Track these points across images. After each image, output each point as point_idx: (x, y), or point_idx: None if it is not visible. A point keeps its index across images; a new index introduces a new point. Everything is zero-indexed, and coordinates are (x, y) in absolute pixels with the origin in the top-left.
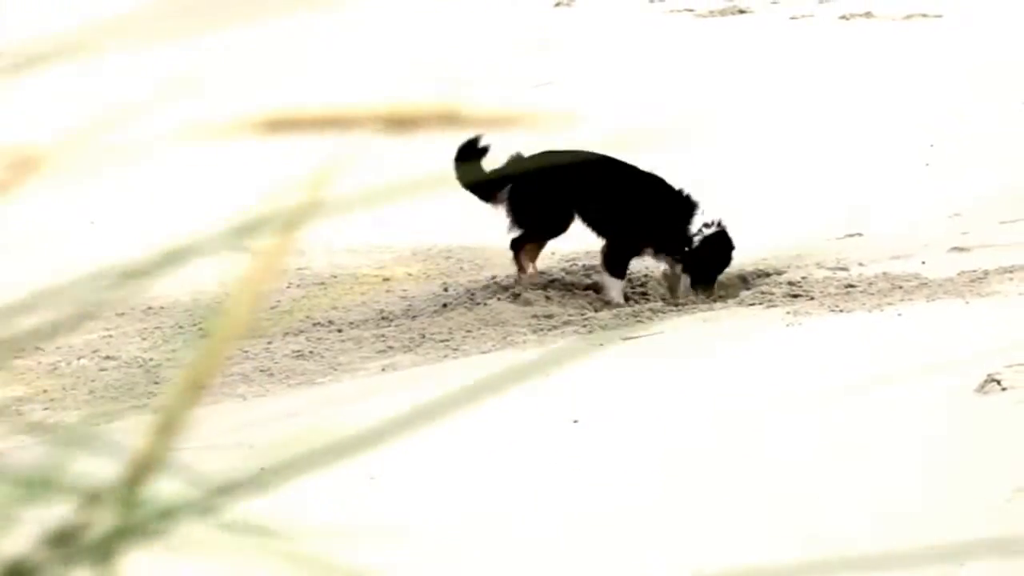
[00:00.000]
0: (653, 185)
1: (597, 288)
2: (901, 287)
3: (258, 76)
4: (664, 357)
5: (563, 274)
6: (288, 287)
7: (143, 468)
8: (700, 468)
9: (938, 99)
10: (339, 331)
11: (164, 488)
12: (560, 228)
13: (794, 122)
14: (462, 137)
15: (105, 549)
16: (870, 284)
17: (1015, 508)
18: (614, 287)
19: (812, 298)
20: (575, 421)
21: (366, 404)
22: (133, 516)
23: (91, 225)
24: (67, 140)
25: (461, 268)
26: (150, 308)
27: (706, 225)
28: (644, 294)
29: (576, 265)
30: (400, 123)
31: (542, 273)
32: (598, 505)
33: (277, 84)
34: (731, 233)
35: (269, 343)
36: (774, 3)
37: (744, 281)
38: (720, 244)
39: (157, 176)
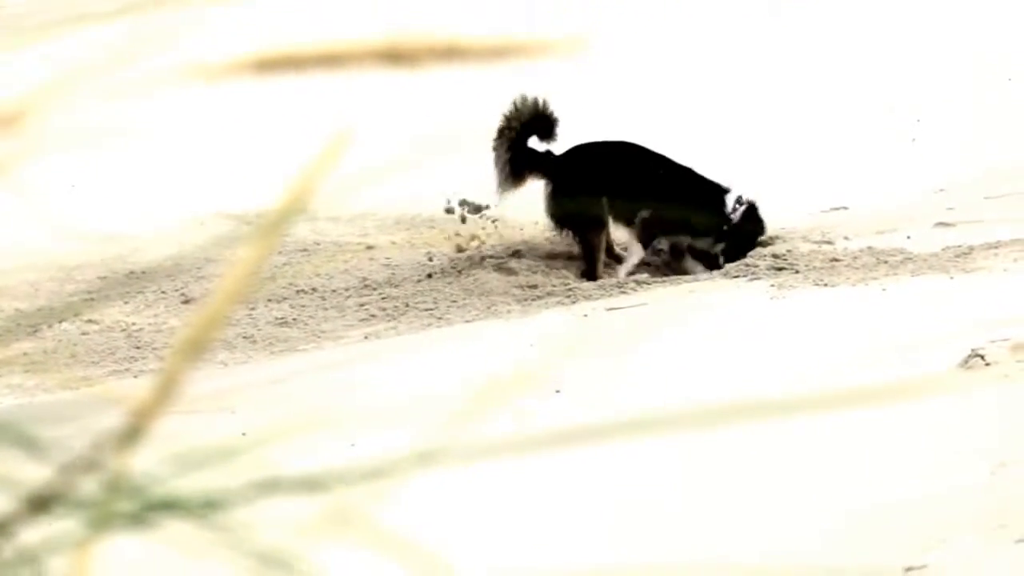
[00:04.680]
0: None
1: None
2: (886, 262)
3: (247, 17)
4: (647, 329)
5: (548, 244)
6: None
7: (137, 430)
8: (678, 442)
9: (925, 74)
10: (322, 298)
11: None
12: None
13: (781, 95)
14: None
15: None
16: (855, 258)
17: (998, 483)
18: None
19: (797, 271)
20: (557, 391)
21: (348, 372)
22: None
23: (71, 188)
24: (47, 92)
25: (446, 237)
26: (132, 272)
27: (738, 202)
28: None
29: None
30: (398, 58)
31: (526, 242)
32: (573, 477)
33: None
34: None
35: (252, 309)
36: None
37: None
38: (753, 218)
39: (137, 140)
